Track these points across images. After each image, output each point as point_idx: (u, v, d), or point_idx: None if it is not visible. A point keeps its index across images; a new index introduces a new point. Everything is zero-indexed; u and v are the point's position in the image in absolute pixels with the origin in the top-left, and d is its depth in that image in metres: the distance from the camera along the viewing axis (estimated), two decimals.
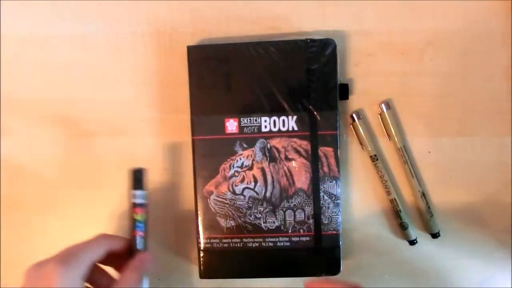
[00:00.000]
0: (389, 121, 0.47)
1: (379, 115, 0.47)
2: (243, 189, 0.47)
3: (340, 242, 0.47)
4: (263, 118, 0.46)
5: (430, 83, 0.47)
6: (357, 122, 0.47)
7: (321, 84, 0.46)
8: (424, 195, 0.47)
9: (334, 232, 0.47)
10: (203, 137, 0.46)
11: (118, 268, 0.43)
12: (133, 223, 0.42)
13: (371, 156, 0.47)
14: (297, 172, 0.46)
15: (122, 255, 0.43)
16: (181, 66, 0.47)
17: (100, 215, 0.50)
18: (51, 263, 0.38)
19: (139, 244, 0.42)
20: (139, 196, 0.43)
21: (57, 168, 0.50)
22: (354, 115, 0.47)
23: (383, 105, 0.47)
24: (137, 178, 0.43)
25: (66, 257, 0.39)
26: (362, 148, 0.47)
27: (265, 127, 0.46)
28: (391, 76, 0.47)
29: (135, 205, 0.42)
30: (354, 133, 0.47)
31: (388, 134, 0.47)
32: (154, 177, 0.49)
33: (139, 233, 0.42)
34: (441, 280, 0.49)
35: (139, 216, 0.42)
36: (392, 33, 0.47)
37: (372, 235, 0.49)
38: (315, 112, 0.46)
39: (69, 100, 0.49)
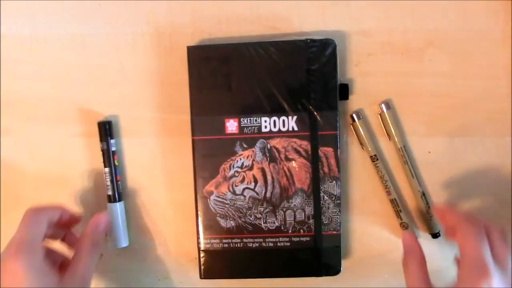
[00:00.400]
0: (389, 121, 0.47)
1: (379, 115, 0.47)
2: (243, 189, 0.47)
3: (340, 242, 0.47)
4: (263, 118, 0.46)
5: (430, 83, 0.47)
6: (357, 122, 0.47)
7: (321, 84, 0.46)
8: (424, 195, 0.47)
9: (334, 232, 0.47)
10: (203, 137, 0.46)
11: (67, 238, 0.46)
12: (114, 170, 0.48)
13: (371, 156, 0.47)
14: (297, 172, 0.46)
15: (63, 224, 0.45)
16: (181, 66, 0.47)
17: None
18: (10, 258, 0.38)
19: (120, 188, 0.49)
20: (114, 144, 0.48)
21: (57, 168, 0.50)
22: (354, 115, 0.47)
23: (383, 105, 0.47)
24: (107, 129, 0.48)
25: (20, 246, 0.39)
26: (362, 148, 0.47)
27: (265, 127, 0.46)
28: (391, 76, 0.47)
29: (114, 153, 0.48)
30: (354, 133, 0.47)
31: (388, 134, 0.47)
32: (154, 177, 0.49)
33: (118, 178, 0.49)
34: (441, 280, 0.49)
35: (117, 162, 0.49)
36: (392, 33, 0.47)
37: (372, 235, 0.49)
38: (315, 112, 0.46)
39: (69, 100, 0.49)
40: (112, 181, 0.48)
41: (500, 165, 0.48)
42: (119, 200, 0.48)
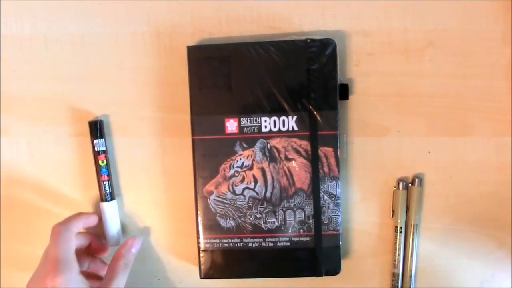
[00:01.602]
0: (415, 197, 0.47)
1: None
2: (243, 189, 0.47)
3: (340, 242, 0.47)
4: (263, 118, 0.46)
5: (430, 83, 0.47)
6: (401, 192, 0.47)
7: (321, 84, 0.46)
8: (411, 276, 0.48)
9: (334, 232, 0.47)
10: (203, 137, 0.46)
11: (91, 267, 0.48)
12: (99, 169, 0.48)
13: (396, 226, 0.47)
14: (297, 172, 0.46)
15: (91, 251, 0.48)
16: (181, 66, 0.47)
17: None
18: (49, 275, 0.41)
19: (107, 187, 0.48)
20: (101, 144, 0.48)
21: (57, 168, 0.50)
22: (400, 183, 0.47)
23: (416, 180, 0.47)
24: (97, 129, 0.48)
25: (57, 263, 0.41)
26: (392, 216, 0.48)
27: (265, 127, 0.46)
28: (391, 76, 0.47)
29: (98, 153, 0.48)
30: (392, 198, 0.48)
31: (407, 208, 0.48)
32: (154, 177, 0.49)
33: (105, 177, 0.48)
34: (441, 280, 0.49)
35: (102, 162, 0.48)
36: (392, 33, 0.47)
37: (372, 235, 0.49)
38: (315, 112, 0.46)
39: (69, 100, 0.49)
40: (98, 180, 0.48)
41: (500, 165, 0.48)
42: (108, 200, 0.48)
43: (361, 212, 0.49)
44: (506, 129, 0.47)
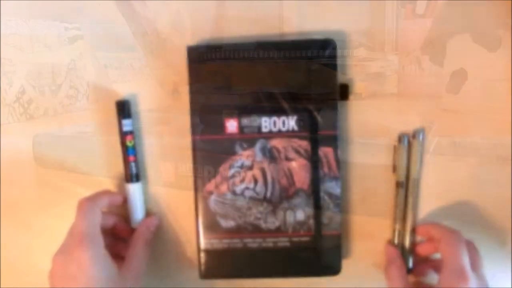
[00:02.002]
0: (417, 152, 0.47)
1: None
2: (243, 189, 0.47)
3: (340, 242, 0.47)
4: (263, 118, 0.46)
5: (430, 83, 0.47)
6: (403, 146, 0.47)
7: (321, 84, 0.46)
8: (414, 230, 0.48)
9: (334, 232, 0.47)
10: (203, 137, 0.46)
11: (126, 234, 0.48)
12: (126, 150, 0.47)
13: (397, 181, 0.47)
14: (297, 172, 0.46)
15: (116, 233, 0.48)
16: (181, 66, 0.47)
17: None
18: (76, 248, 0.41)
19: (133, 168, 0.48)
20: (128, 124, 0.48)
21: (59, 168, 0.50)
22: (403, 136, 0.47)
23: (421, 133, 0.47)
24: (124, 108, 0.48)
25: (84, 237, 0.42)
26: (393, 171, 0.47)
27: (265, 127, 0.46)
28: (391, 76, 0.47)
29: (126, 133, 0.48)
30: (392, 153, 0.47)
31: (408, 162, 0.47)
32: (154, 177, 0.49)
33: (132, 158, 0.48)
34: None
35: (130, 142, 0.48)
36: (391, 33, 0.47)
37: (372, 235, 0.49)
38: (315, 112, 0.46)
39: (69, 100, 0.49)
40: (124, 161, 0.48)
41: (500, 165, 0.48)
42: (133, 181, 0.48)
43: (361, 212, 0.49)
44: (506, 129, 0.47)
